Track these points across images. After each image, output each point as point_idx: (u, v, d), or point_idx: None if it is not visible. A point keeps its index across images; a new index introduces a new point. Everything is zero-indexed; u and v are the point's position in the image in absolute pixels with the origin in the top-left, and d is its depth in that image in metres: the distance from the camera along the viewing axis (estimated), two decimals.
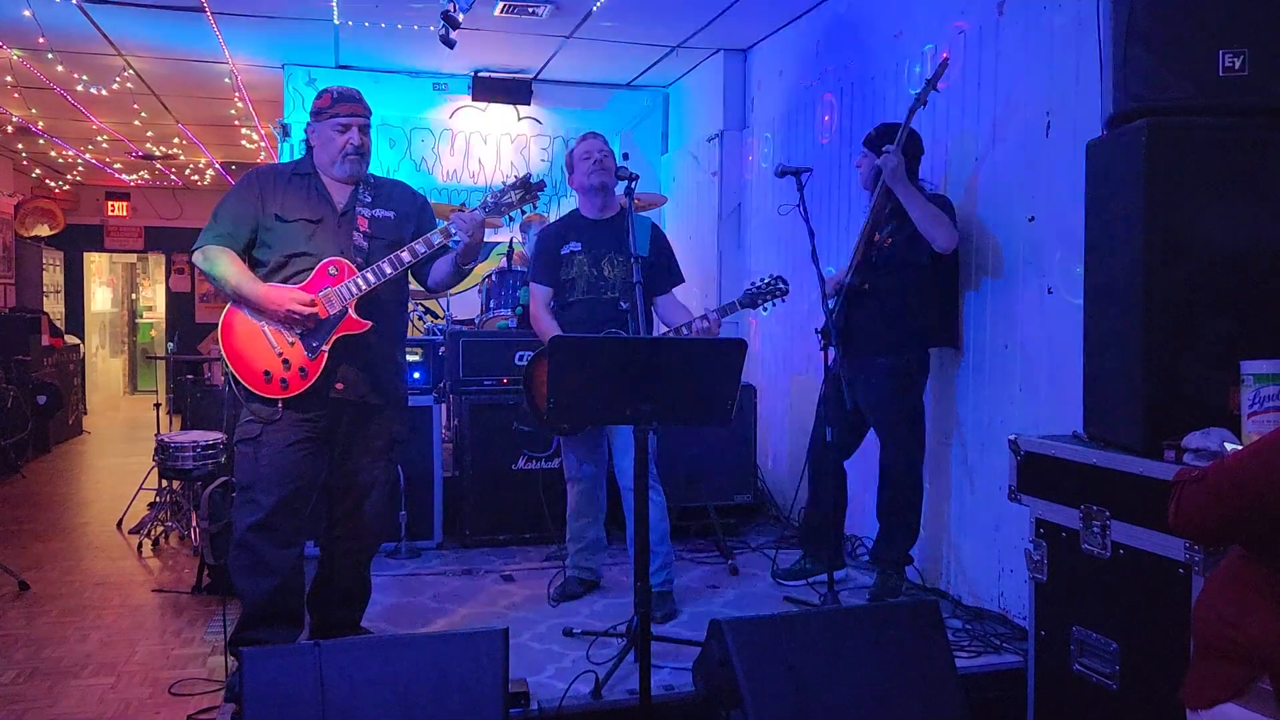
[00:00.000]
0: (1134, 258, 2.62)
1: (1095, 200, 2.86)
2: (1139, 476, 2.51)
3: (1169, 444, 2.50)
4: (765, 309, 3.83)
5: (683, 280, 4.04)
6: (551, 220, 6.36)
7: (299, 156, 3.42)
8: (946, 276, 3.96)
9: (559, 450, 4.66)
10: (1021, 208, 3.67)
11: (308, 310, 3.10)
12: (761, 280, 3.78)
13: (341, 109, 3.23)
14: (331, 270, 3.17)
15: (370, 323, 3.19)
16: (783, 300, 3.78)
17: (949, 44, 4.09)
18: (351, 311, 3.17)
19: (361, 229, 3.26)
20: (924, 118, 3.96)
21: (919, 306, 3.85)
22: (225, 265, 3.18)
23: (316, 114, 3.28)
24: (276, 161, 7.04)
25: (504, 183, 3.38)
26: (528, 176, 3.37)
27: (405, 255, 3.19)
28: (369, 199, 3.31)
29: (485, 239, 3.33)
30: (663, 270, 3.93)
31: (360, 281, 3.15)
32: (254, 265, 3.27)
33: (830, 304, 3.85)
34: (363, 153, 3.27)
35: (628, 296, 3.60)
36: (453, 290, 4.08)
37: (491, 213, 3.32)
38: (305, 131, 3.36)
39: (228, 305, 3.22)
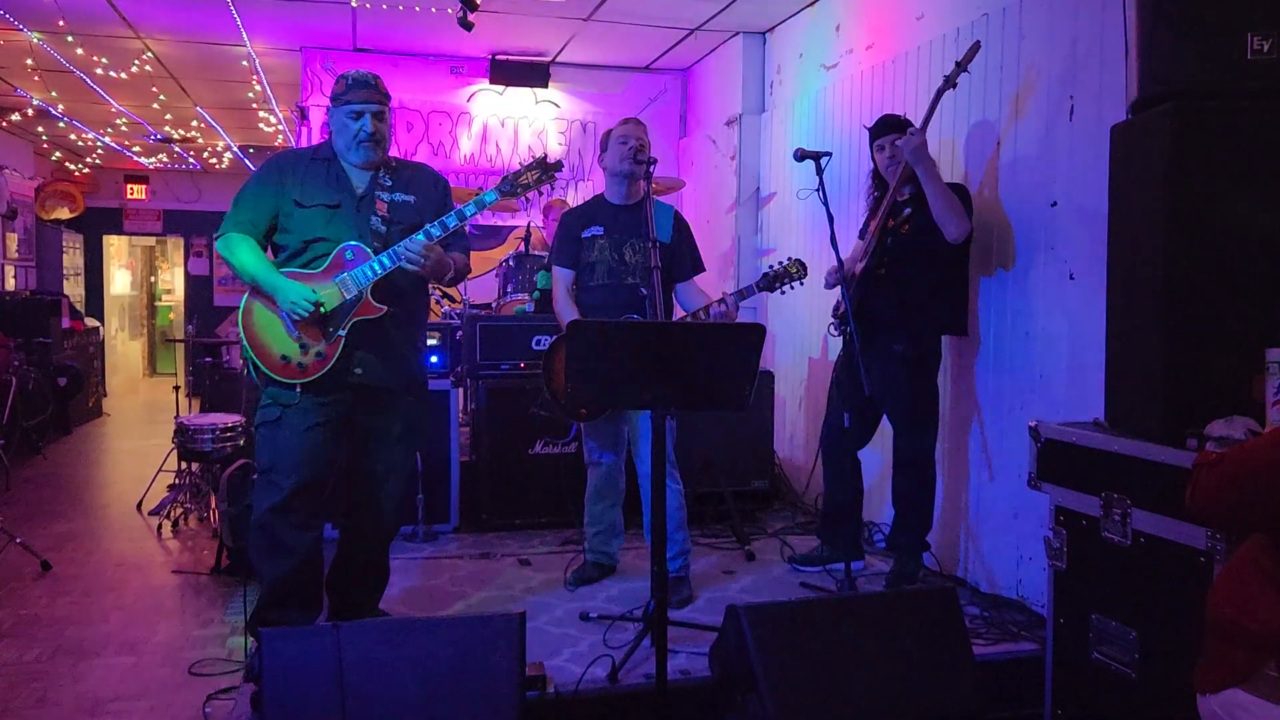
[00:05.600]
0: (1158, 243, 2.59)
1: (1119, 185, 2.83)
2: (1161, 465, 2.49)
3: (1192, 432, 2.47)
4: (783, 293, 3.80)
5: (704, 269, 4.01)
6: (571, 205, 6.37)
7: (317, 139, 3.40)
8: (960, 265, 3.93)
9: (577, 435, 4.66)
10: (1043, 192, 3.64)
11: (308, 313, 3.10)
12: (780, 263, 3.75)
13: (354, 95, 3.18)
14: (348, 255, 3.16)
15: (386, 307, 3.19)
16: (801, 284, 3.76)
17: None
18: (369, 296, 3.17)
19: (380, 213, 3.24)
20: (945, 100, 3.91)
21: (935, 293, 3.82)
22: (244, 254, 3.19)
23: (333, 99, 3.26)
24: (295, 145, 7.06)
25: (521, 164, 3.36)
26: (544, 157, 3.35)
27: (422, 239, 3.18)
28: (389, 183, 3.29)
29: (503, 223, 3.31)
30: (684, 257, 3.91)
31: (376, 265, 3.15)
32: (275, 251, 3.28)
33: (846, 289, 3.83)
34: (377, 139, 3.21)
35: (648, 282, 3.58)
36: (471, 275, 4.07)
37: (509, 194, 3.30)
38: (326, 115, 3.34)
39: (248, 291, 3.23)
